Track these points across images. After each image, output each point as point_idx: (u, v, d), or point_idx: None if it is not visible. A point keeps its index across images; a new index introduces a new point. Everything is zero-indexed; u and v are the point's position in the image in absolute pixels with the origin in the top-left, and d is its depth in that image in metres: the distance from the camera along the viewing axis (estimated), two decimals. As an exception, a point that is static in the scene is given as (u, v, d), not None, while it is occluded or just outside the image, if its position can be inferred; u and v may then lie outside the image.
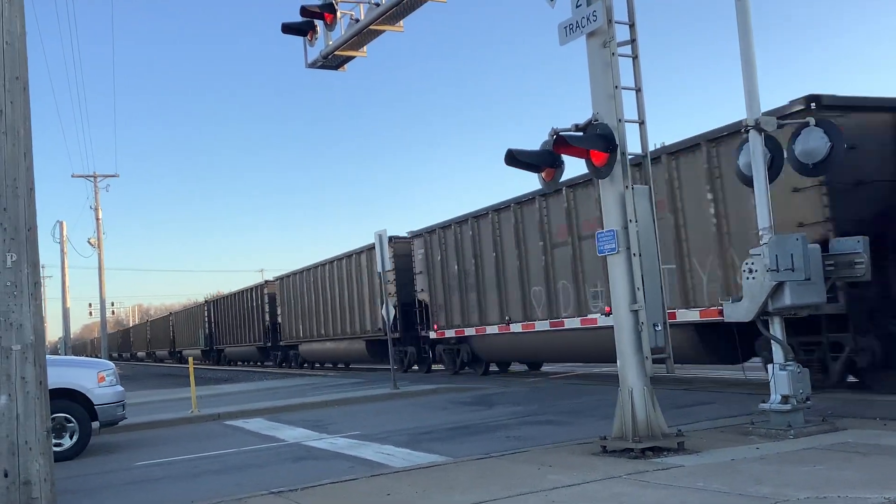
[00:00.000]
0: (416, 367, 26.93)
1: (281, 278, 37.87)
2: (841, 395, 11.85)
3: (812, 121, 9.48)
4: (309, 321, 33.67)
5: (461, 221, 22.23)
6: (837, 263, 9.05)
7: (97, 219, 46.96)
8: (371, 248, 27.31)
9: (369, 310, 27.75)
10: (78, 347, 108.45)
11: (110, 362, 13.65)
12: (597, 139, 8.32)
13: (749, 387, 13.89)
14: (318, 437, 12.38)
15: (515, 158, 8.68)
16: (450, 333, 23.05)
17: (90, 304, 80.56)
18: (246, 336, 43.45)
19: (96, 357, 35.47)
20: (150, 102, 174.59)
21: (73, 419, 12.15)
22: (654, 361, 8.32)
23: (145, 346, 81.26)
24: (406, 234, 25.76)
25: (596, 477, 7.26)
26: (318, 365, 36.94)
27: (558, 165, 8.72)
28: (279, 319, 37.87)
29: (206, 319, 52.20)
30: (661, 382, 11.41)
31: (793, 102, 12.03)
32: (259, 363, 44.74)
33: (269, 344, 39.91)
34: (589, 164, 8.52)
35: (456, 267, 22.44)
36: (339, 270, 30.40)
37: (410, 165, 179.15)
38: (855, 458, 7.29)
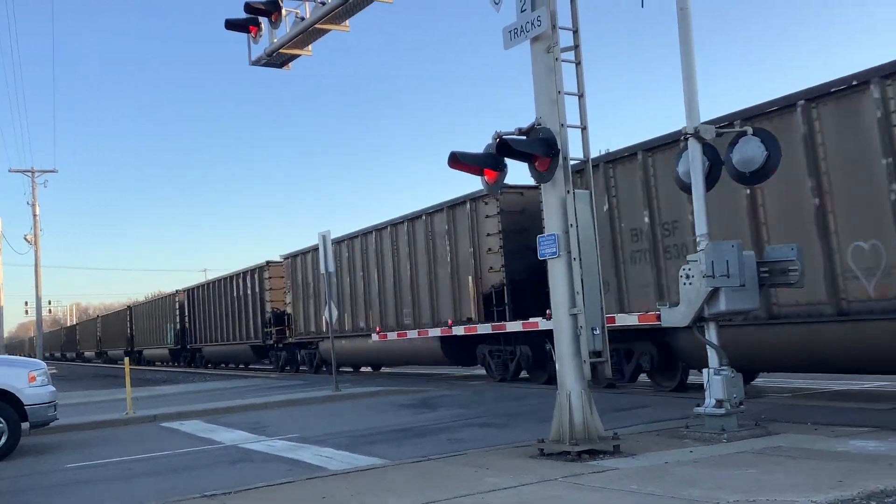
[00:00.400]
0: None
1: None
2: (775, 400, 12.10)
3: (749, 130, 9.67)
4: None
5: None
6: (772, 270, 9.23)
7: (34, 215, 46.06)
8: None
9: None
10: (14, 346, 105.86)
11: (42, 362, 13.28)
12: (539, 143, 8.36)
13: (685, 391, 14.11)
14: (256, 440, 12.22)
15: (458, 161, 8.68)
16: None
17: (26, 303, 79.47)
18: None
19: (31, 356, 35.76)
20: (91, 99, 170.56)
21: (2, 420, 11.79)
22: (592, 365, 8.39)
23: (95, 346, 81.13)
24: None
25: (532, 479, 7.28)
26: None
27: (501, 168, 8.75)
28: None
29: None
30: (598, 386, 11.57)
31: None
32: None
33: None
34: (531, 168, 8.56)
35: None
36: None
37: (355, 167, 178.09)
38: (786, 461, 7.44)
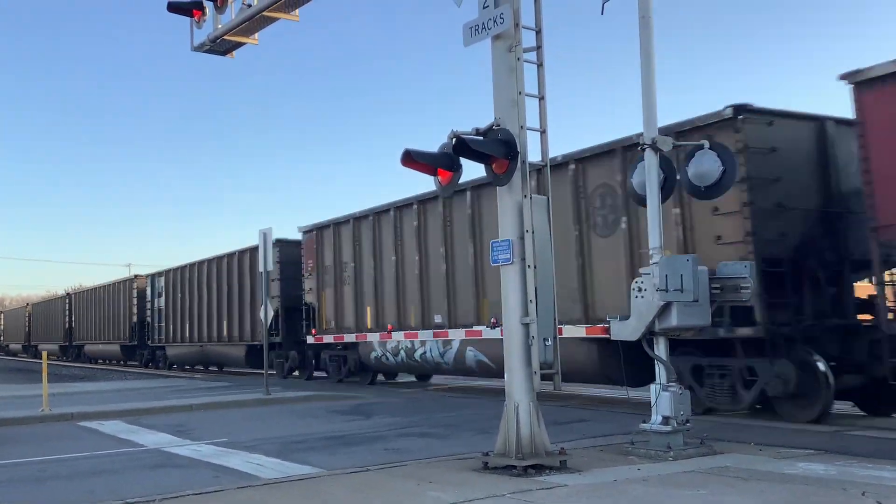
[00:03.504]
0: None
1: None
2: (715, 419, 12.01)
3: (706, 143, 9.54)
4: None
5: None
6: (724, 287, 9.07)
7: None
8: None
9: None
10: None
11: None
12: (498, 145, 8.05)
13: (623, 405, 13.96)
14: (180, 443, 11.61)
15: (413, 159, 8.31)
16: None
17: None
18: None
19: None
20: (14, 83, 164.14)
21: None
22: (542, 377, 8.10)
23: (23, 338, 76.64)
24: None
25: (478, 495, 6.94)
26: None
27: (456, 169, 8.41)
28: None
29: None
30: (539, 398, 11.23)
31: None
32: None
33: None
34: (488, 169, 8.25)
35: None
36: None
37: (305, 162, 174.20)
38: (736, 482, 7.26)
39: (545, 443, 8.15)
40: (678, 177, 9.76)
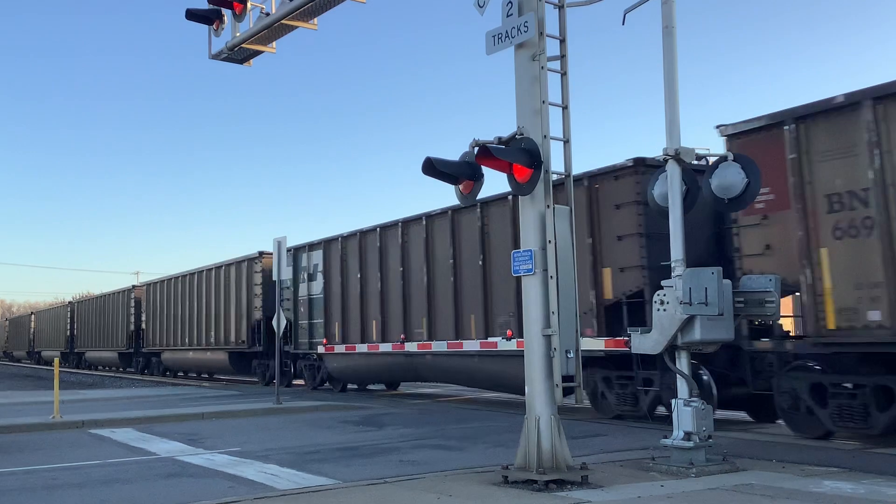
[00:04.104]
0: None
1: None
2: (737, 435, 11.84)
3: (730, 155, 9.42)
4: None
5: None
6: (747, 301, 8.95)
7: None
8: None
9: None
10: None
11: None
12: (522, 153, 7.95)
13: (637, 419, 13.81)
14: (193, 452, 11.50)
15: (434, 168, 8.21)
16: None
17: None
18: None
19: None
20: (27, 93, 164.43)
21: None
22: (564, 391, 7.97)
23: (2, 346, 76.97)
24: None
25: (500, 510, 6.81)
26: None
27: (478, 178, 8.31)
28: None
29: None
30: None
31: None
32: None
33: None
34: (511, 178, 8.15)
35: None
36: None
37: (312, 173, 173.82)
38: (763, 501, 7.12)
39: (567, 457, 8.01)
40: (701, 189, 9.64)
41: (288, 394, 21.75)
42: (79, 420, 15.35)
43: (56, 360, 16.83)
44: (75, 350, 49.92)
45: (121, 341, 40.08)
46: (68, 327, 50.66)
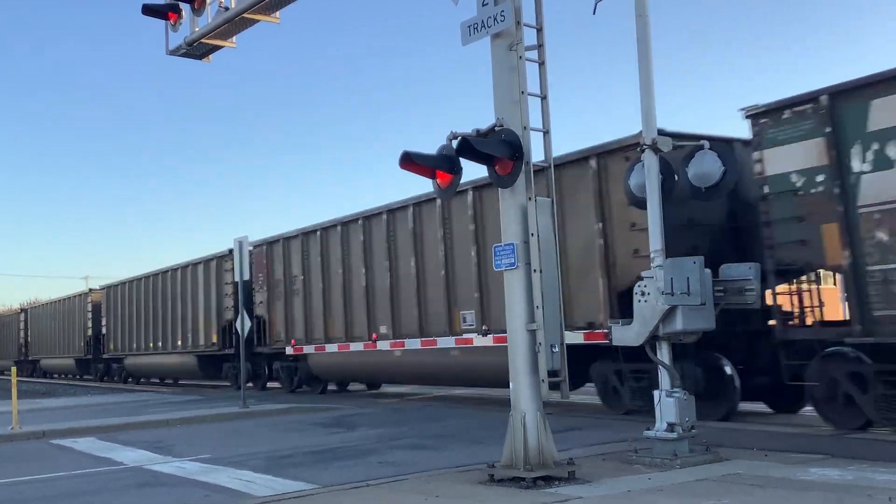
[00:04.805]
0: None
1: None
2: (715, 424, 11.80)
3: (706, 144, 9.36)
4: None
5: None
6: (727, 290, 8.89)
7: None
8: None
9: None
10: None
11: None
12: (502, 146, 7.79)
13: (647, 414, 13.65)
14: (162, 460, 11.14)
15: (412, 162, 8.01)
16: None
17: None
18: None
19: None
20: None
21: None
22: (550, 386, 7.83)
23: None
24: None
25: (492, 510, 6.65)
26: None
27: (457, 171, 8.13)
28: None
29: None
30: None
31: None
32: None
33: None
34: (491, 171, 7.98)
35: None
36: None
37: (277, 170, 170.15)
38: (754, 490, 7.05)
39: (553, 453, 7.88)
40: (677, 178, 9.58)
41: (257, 397, 21.34)
42: (39, 430, 14.87)
43: (14, 370, 16.30)
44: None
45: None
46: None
